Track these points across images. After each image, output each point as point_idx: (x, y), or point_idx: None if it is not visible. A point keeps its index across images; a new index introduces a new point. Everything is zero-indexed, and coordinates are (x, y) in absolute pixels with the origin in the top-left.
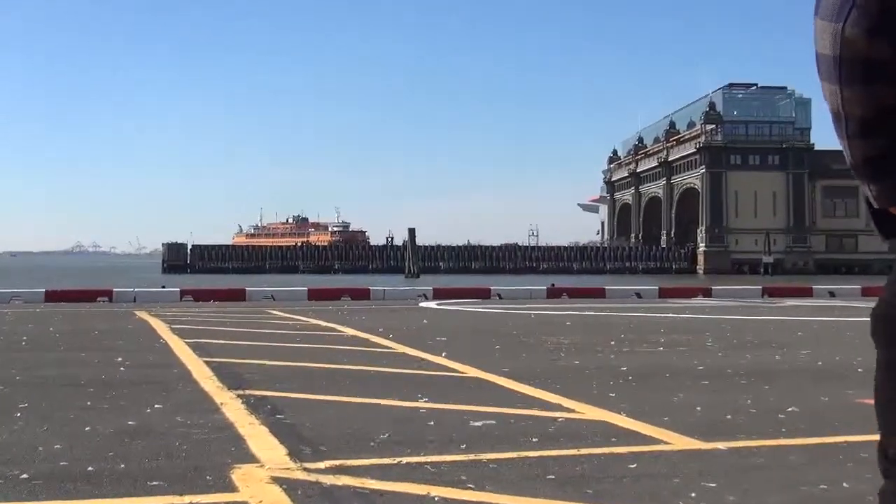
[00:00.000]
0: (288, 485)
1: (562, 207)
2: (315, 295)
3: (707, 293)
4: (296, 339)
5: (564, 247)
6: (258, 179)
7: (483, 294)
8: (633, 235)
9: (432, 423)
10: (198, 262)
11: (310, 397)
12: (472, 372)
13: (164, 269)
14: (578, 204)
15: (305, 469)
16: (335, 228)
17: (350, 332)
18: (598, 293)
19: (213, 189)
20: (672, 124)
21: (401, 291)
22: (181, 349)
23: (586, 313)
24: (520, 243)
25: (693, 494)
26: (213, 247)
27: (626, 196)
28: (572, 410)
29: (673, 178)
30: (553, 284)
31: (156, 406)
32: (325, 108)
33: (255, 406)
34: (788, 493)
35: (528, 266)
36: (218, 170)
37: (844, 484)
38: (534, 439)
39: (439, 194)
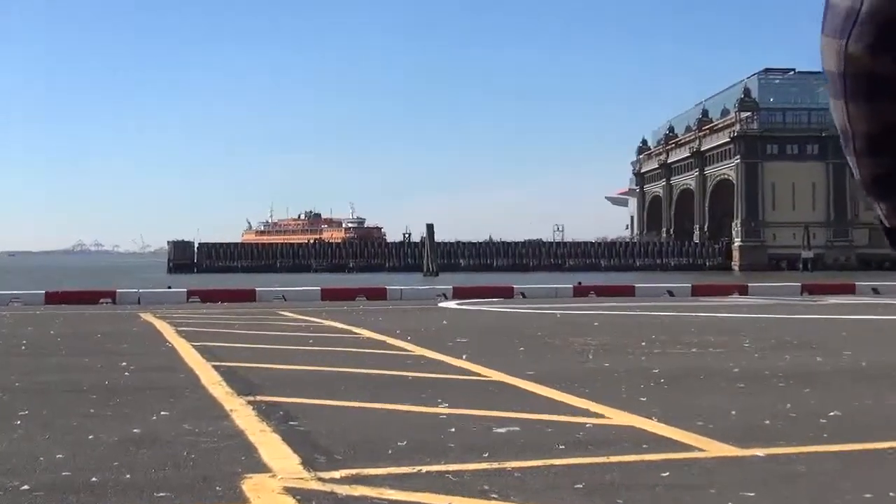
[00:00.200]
0: (301, 495)
1: (588, 201)
2: (329, 295)
3: (743, 291)
4: (309, 342)
5: (591, 242)
6: (267, 175)
7: (506, 293)
8: (663, 230)
9: (453, 429)
10: (205, 260)
11: (324, 403)
12: (494, 375)
13: (169, 269)
14: (606, 197)
15: (320, 479)
16: (349, 225)
17: (366, 334)
18: (628, 291)
19: (220, 185)
20: (705, 112)
21: (419, 291)
22: (188, 353)
23: (615, 313)
24: (544, 239)
25: None
26: (221, 245)
27: (657, 188)
28: (601, 416)
29: (706, 169)
30: (580, 282)
31: (162, 413)
32: (339, 100)
33: (266, 412)
34: (830, 503)
35: (554, 263)
36: (222, 167)
37: (891, 493)
38: (560, 446)
39: (458, 189)
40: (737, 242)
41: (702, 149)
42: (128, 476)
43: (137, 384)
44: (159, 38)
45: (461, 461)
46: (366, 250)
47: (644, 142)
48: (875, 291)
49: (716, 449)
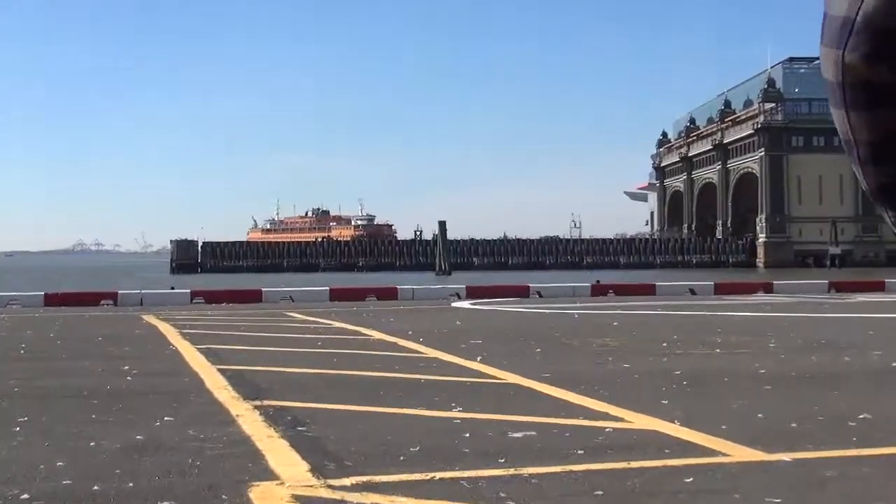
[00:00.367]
0: None
1: (607, 196)
2: (338, 295)
3: (768, 289)
4: (317, 344)
5: (610, 239)
6: (271, 172)
7: (521, 292)
8: (685, 226)
9: (467, 434)
10: (209, 260)
11: (333, 407)
12: (510, 378)
13: (172, 269)
14: (625, 192)
15: (329, 486)
16: (359, 222)
17: (376, 335)
18: (648, 290)
19: (223, 184)
20: (727, 103)
21: (431, 290)
22: (193, 356)
23: (635, 312)
24: (561, 236)
25: None
26: (226, 244)
27: (678, 183)
28: (621, 419)
29: (729, 162)
30: (598, 281)
31: (166, 419)
32: (344, 96)
33: (273, 418)
34: None
35: (571, 261)
36: (225, 165)
37: None
38: (579, 451)
39: (471, 185)
40: (761, 238)
41: (724, 141)
42: (130, 484)
43: (140, 389)
44: (159, 38)
45: (476, 467)
46: (376, 249)
47: (664, 134)
48: None
49: (740, 454)
